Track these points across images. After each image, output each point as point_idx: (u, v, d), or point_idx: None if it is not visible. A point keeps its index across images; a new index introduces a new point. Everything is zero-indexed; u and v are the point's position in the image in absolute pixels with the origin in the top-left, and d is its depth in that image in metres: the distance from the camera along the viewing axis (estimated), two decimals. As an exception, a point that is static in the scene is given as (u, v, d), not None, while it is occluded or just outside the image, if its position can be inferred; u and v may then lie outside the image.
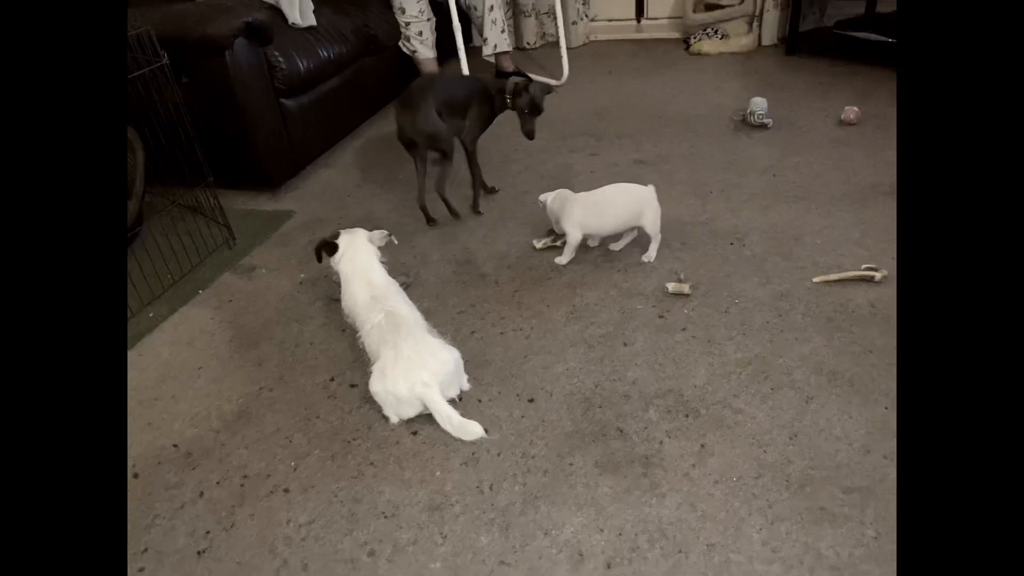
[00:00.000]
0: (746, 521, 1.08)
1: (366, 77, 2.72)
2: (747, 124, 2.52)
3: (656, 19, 3.76)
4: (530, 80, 2.02)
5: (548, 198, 1.78)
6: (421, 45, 2.97)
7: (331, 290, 1.69)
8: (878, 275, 1.59)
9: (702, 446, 1.22)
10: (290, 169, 2.37)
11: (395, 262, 1.66)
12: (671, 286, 1.63)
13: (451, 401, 1.29)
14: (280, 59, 2.21)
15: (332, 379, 1.46)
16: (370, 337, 1.35)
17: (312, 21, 2.43)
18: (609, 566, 1.03)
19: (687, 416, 1.28)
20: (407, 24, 2.93)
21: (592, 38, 3.82)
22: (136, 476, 1.26)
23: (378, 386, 1.29)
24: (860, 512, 1.07)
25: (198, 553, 1.11)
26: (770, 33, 3.41)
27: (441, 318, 1.60)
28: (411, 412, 1.30)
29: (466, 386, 1.38)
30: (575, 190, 1.78)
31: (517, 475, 1.19)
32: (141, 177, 1.91)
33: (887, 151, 2.24)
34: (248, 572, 1.07)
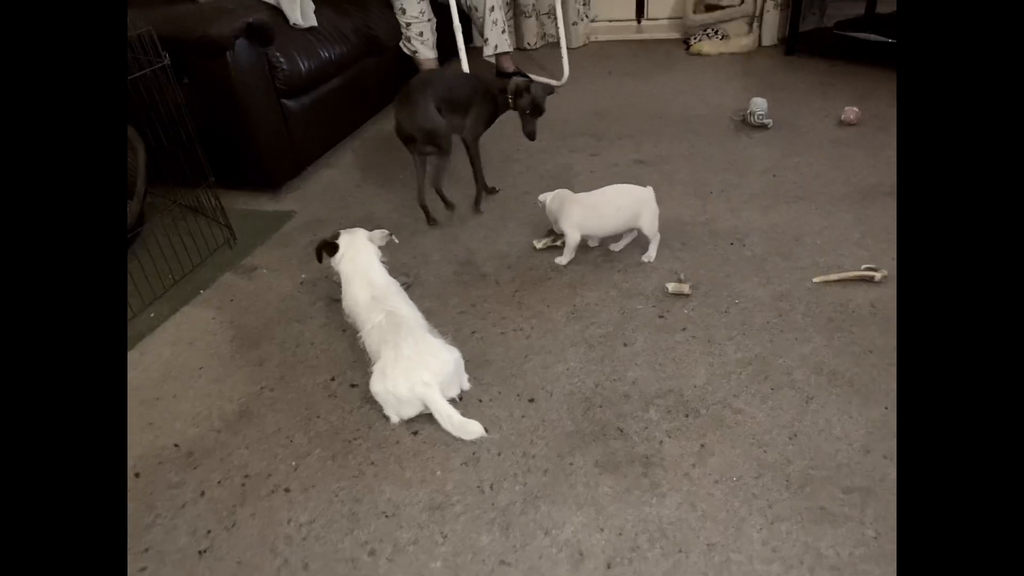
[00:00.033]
0: (746, 521, 1.08)
1: (367, 77, 2.73)
2: (747, 124, 2.52)
3: (656, 20, 3.76)
4: (531, 81, 2.02)
5: (547, 198, 1.78)
6: (422, 45, 2.98)
7: (332, 290, 1.70)
8: (878, 275, 1.59)
9: (702, 446, 1.22)
10: (291, 169, 2.37)
11: (396, 262, 1.66)
12: (671, 286, 1.63)
13: (452, 401, 1.30)
14: (281, 59, 2.21)
15: (333, 379, 1.47)
16: (371, 337, 1.36)
17: (313, 22, 2.43)
18: (609, 566, 1.03)
19: (687, 416, 1.29)
20: (408, 24, 2.94)
21: (592, 39, 3.82)
22: (137, 476, 1.27)
23: (379, 386, 1.29)
24: (860, 512, 1.07)
25: (199, 552, 1.11)
26: (770, 33, 3.42)
27: (442, 318, 1.60)
28: (412, 412, 1.30)
29: (466, 386, 1.39)
30: (575, 190, 1.78)
31: (517, 475, 1.19)
32: (143, 177, 1.91)
33: (887, 151, 2.24)
34: (249, 571, 1.08)
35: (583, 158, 2.40)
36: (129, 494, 1.23)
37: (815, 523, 1.06)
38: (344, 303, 1.47)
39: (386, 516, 1.14)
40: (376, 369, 1.31)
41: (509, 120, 2.13)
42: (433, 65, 3.02)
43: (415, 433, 1.30)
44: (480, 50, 3.14)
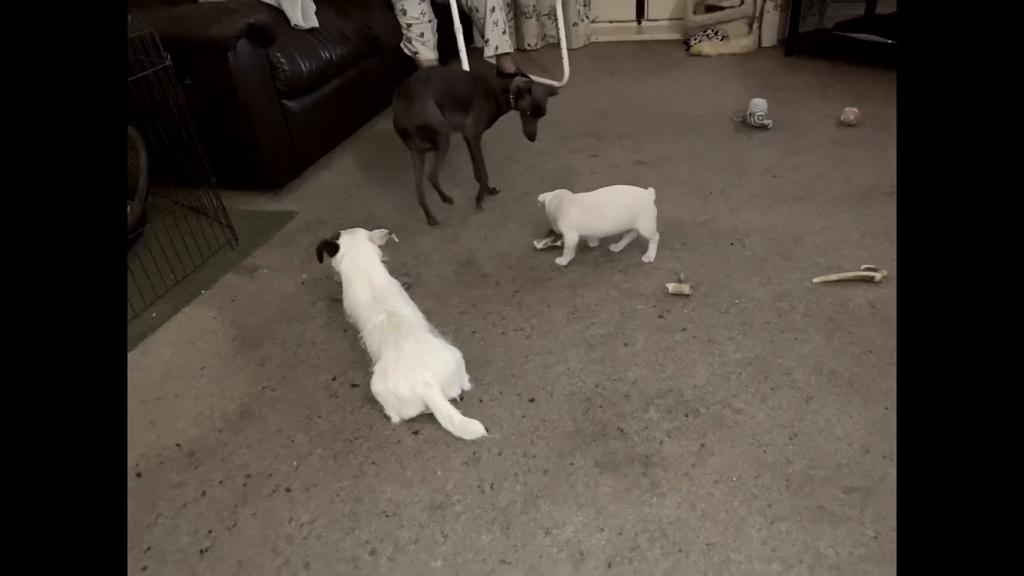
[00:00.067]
0: (746, 520, 1.08)
1: (368, 78, 2.73)
2: (747, 125, 2.52)
3: (656, 20, 3.76)
4: (533, 81, 2.02)
5: (547, 199, 1.78)
6: (423, 46, 2.98)
7: (333, 290, 1.70)
8: (878, 275, 1.59)
9: (702, 446, 1.22)
10: (292, 170, 2.37)
11: (397, 262, 1.67)
12: (671, 286, 1.64)
13: (452, 401, 1.30)
14: (282, 60, 2.21)
15: (334, 379, 1.47)
16: (372, 337, 1.36)
17: (314, 22, 2.43)
18: (610, 565, 1.03)
19: (687, 416, 1.29)
20: (409, 25, 2.94)
21: (593, 39, 3.82)
22: (139, 475, 1.27)
23: (380, 386, 1.29)
24: (860, 512, 1.08)
25: (200, 552, 1.11)
26: (770, 34, 3.42)
27: (442, 318, 1.61)
28: (412, 412, 1.30)
29: (467, 386, 1.39)
30: (576, 191, 1.78)
31: (518, 474, 1.20)
32: (144, 178, 1.92)
33: (887, 152, 2.25)
34: (250, 571, 1.08)
35: (583, 158, 2.41)
36: (131, 494, 1.23)
37: (815, 523, 1.07)
38: (345, 303, 1.47)
39: (387, 515, 1.15)
40: (377, 369, 1.31)
41: (510, 120, 2.13)
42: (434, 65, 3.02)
43: (416, 433, 1.30)
44: (481, 51, 3.14)
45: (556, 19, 3.19)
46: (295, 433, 1.33)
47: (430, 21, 2.97)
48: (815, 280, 1.63)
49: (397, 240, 1.60)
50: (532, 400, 1.36)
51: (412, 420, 1.32)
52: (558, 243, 1.84)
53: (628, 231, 1.78)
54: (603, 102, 2.92)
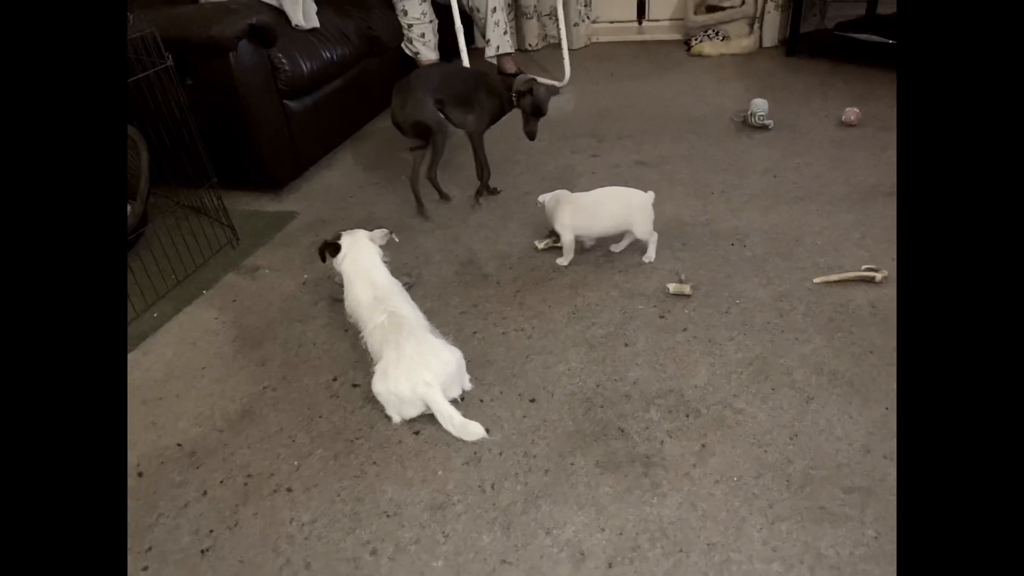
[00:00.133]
0: (747, 521, 1.08)
1: (369, 79, 2.73)
2: (748, 125, 2.52)
3: (657, 21, 3.76)
4: (535, 81, 2.03)
5: (546, 199, 1.79)
6: (424, 47, 2.98)
7: (334, 290, 1.70)
8: (879, 276, 1.59)
9: (703, 446, 1.22)
10: (293, 170, 2.38)
11: (398, 262, 1.67)
12: (672, 287, 1.64)
13: (453, 401, 1.30)
14: (283, 61, 2.22)
15: (335, 379, 1.47)
16: (373, 337, 1.36)
17: (315, 23, 2.44)
18: (610, 565, 1.03)
19: (688, 416, 1.29)
20: (410, 26, 2.94)
21: (593, 40, 3.82)
22: (140, 475, 1.27)
23: (380, 386, 1.29)
24: (860, 512, 1.08)
25: (202, 552, 1.12)
26: (771, 35, 3.42)
27: (443, 318, 1.61)
28: (413, 412, 1.30)
29: (468, 386, 1.39)
30: (576, 191, 1.78)
31: (519, 474, 1.20)
32: (146, 178, 1.92)
33: (887, 152, 2.25)
34: (251, 571, 1.08)
35: (584, 159, 2.41)
36: (132, 493, 1.23)
37: (815, 523, 1.07)
38: (346, 303, 1.47)
39: (388, 516, 1.15)
40: (378, 369, 1.31)
41: (510, 121, 2.13)
42: (434, 66, 3.02)
43: (417, 433, 1.30)
44: (482, 51, 3.14)
45: (557, 19, 3.19)
46: (296, 433, 1.34)
47: (431, 21, 2.97)
48: (816, 280, 1.64)
49: (398, 240, 1.60)
50: (533, 400, 1.36)
51: (413, 420, 1.32)
52: (559, 243, 1.84)
53: (625, 232, 1.78)
54: (604, 102, 2.93)
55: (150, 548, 1.13)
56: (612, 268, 1.77)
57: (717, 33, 3.42)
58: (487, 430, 1.27)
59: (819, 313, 1.53)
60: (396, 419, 1.32)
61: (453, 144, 2.18)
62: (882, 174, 2.11)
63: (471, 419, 1.26)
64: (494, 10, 3.00)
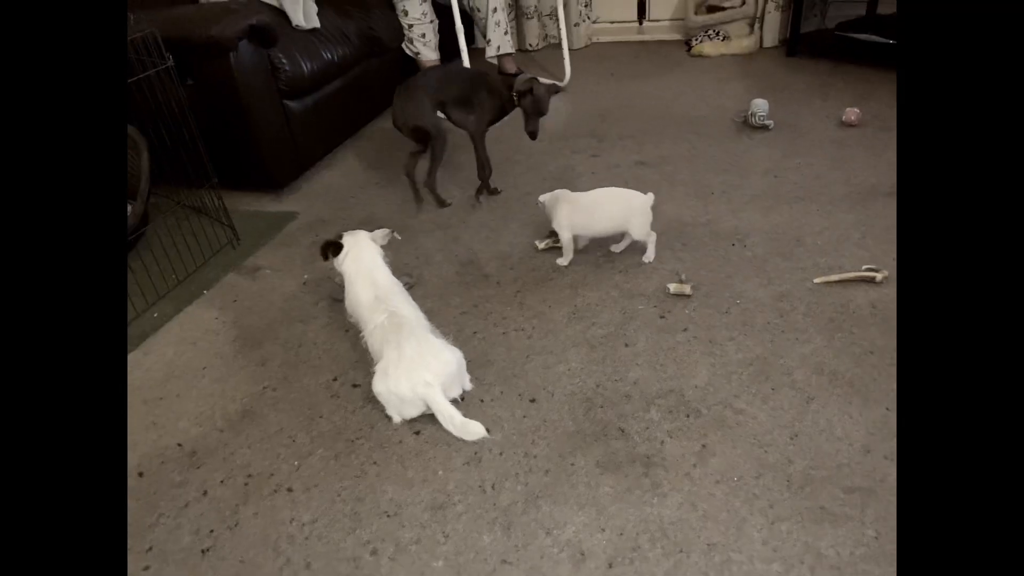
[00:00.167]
0: (747, 521, 1.08)
1: (369, 79, 2.73)
2: (748, 125, 2.52)
3: (658, 21, 3.77)
4: (536, 80, 2.03)
5: (546, 198, 1.79)
6: (424, 47, 2.99)
7: (334, 290, 1.70)
8: (879, 276, 1.59)
9: (703, 446, 1.22)
10: (294, 170, 2.38)
11: (398, 262, 1.67)
12: (672, 287, 1.64)
13: (453, 401, 1.30)
14: (284, 61, 2.22)
15: (335, 379, 1.47)
16: (373, 337, 1.36)
17: (316, 23, 2.44)
18: (611, 565, 1.03)
19: (688, 416, 1.29)
20: (410, 26, 2.95)
21: (594, 40, 3.82)
22: (141, 475, 1.27)
23: (381, 386, 1.29)
24: (860, 512, 1.08)
25: (202, 551, 1.12)
26: (771, 35, 3.42)
27: (443, 318, 1.61)
28: (414, 412, 1.30)
29: (468, 386, 1.39)
30: (577, 191, 1.78)
31: (519, 474, 1.20)
32: (146, 178, 1.92)
33: (888, 152, 2.25)
34: (252, 570, 1.08)
35: (584, 159, 2.41)
36: (133, 493, 1.23)
37: (816, 523, 1.07)
38: (347, 303, 1.47)
39: (388, 516, 1.15)
40: (378, 369, 1.31)
41: (511, 121, 2.14)
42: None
43: (417, 433, 1.30)
44: (482, 51, 3.14)
45: (558, 19, 3.19)
46: (296, 433, 1.34)
47: (431, 22, 2.97)
48: (816, 280, 1.63)
49: (399, 238, 1.60)
50: (533, 400, 1.36)
51: (413, 420, 1.32)
52: (559, 244, 1.84)
53: (624, 233, 1.77)
54: (604, 102, 2.93)
55: (151, 548, 1.13)
56: (612, 268, 1.77)
57: (718, 33, 3.42)
58: (487, 429, 1.27)
59: (819, 313, 1.53)
60: (396, 419, 1.32)
61: (453, 144, 2.19)
62: (882, 174, 2.11)
63: (471, 419, 1.26)
64: (495, 10, 3.00)
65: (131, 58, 1.76)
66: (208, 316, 1.73)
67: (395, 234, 1.59)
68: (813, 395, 1.31)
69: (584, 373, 1.42)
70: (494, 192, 2.22)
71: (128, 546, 1.13)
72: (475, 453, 1.25)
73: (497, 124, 2.13)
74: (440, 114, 2.08)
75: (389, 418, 1.33)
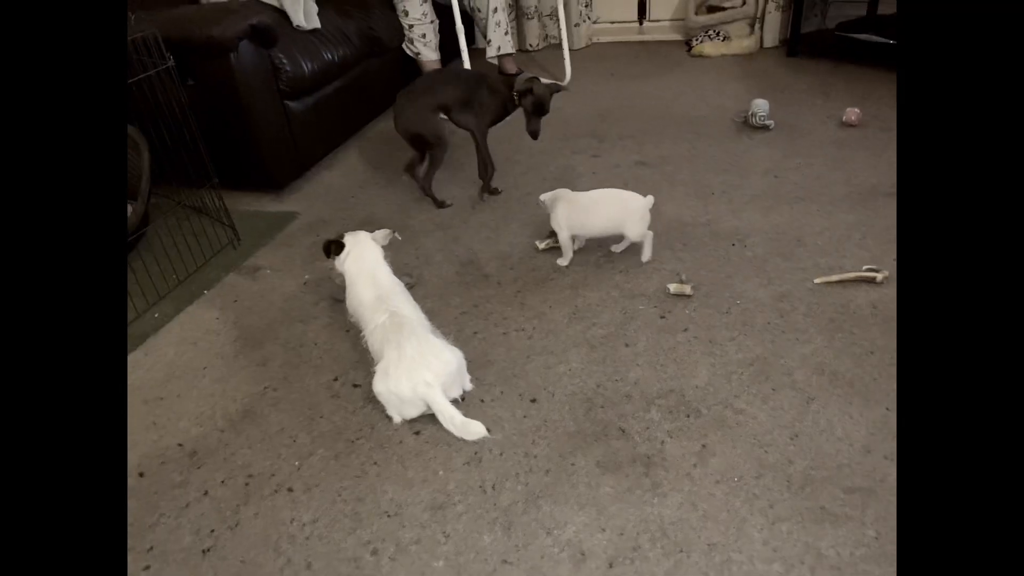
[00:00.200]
0: (747, 521, 1.08)
1: (370, 79, 2.74)
2: (749, 126, 2.52)
3: (658, 21, 3.77)
4: (536, 80, 2.03)
5: (547, 197, 1.79)
6: (424, 47, 2.99)
7: (335, 290, 1.70)
8: (879, 276, 1.59)
9: (703, 446, 1.22)
10: (294, 171, 2.38)
11: (398, 263, 1.67)
12: (672, 287, 1.64)
13: (454, 401, 1.30)
14: (284, 61, 2.22)
15: (336, 379, 1.47)
16: (374, 337, 1.36)
17: (316, 23, 2.44)
18: (611, 565, 1.03)
19: (688, 416, 1.29)
20: (410, 27, 2.95)
21: (594, 40, 3.83)
22: (142, 475, 1.27)
23: (381, 386, 1.29)
24: (861, 512, 1.08)
25: (203, 552, 1.12)
26: (772, 35, 3.42)
27: (444, 318, 1.61)
28: (414, 412, 1.30)
29: (469, 386, 1.39)
30: (578, 191, 1.78)
31: (519, 475, 1.20)
32: (147, 178, 1.92)
33: (888, 152, 2.25)
34: (252, 570, 1.08)
35: (585, 159, 2.41)
36: (133, 493, 1.23)
37: (816, 523, 1.07)
38: (348, 302, 1.48)
39: (388, 516, 1.15)
40: (379, 369, 1.31)
41: (511, 121, 2.14)
42: (436, 67, 3.02)
43: (417, 433, 1.31)
44: (483, 51, 3.14)
45: (558, 20, 3.19)
46: (297, 433, 1.34)
47: (432, 22, 2.97)
48: (816, 281, 1.64)
49: (400, 239, 1.61)
50: (534, 400, 1.36)
51: (414, 420, 1.32)
52: (560, 243, 1.84)
53: (622, 234, 1.77)
54: (604, 103, 2.93)
55: (151, 548, 1.13)
56: (613, 268, 1.77)
57: (718, 33, 3.42)
58: (488, 430, 1.27)
59: (820, 313, 1.53)
60: (397, 419, 1.32)
61: (453, 144, 2.19)
62: (883, 174, 2.11)
63: (472, 419, 1.26)
64: (495, 10, 3.00)
65: (132, 58, 1.76)
66: (209, 316, 1.74)
67: (396, 234, 1.59)
68: (813, 395, 1.31)
69: (584, 373, 1.42)
70: (494, 192, 2.22)
71: (129, 546, 1.13)
72: (475, 453, 1.25)
73: (498, 124, 2.13)
74: (443, 116, 2.09)
75: (389, 418, 1.33)
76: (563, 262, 1.80)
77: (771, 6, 3.35)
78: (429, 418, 1.30)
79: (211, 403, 1.44)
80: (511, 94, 2.03)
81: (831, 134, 2.43)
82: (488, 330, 1.58)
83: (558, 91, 2.07)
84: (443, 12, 2.94)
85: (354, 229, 1.57)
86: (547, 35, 3.79)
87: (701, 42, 3.43)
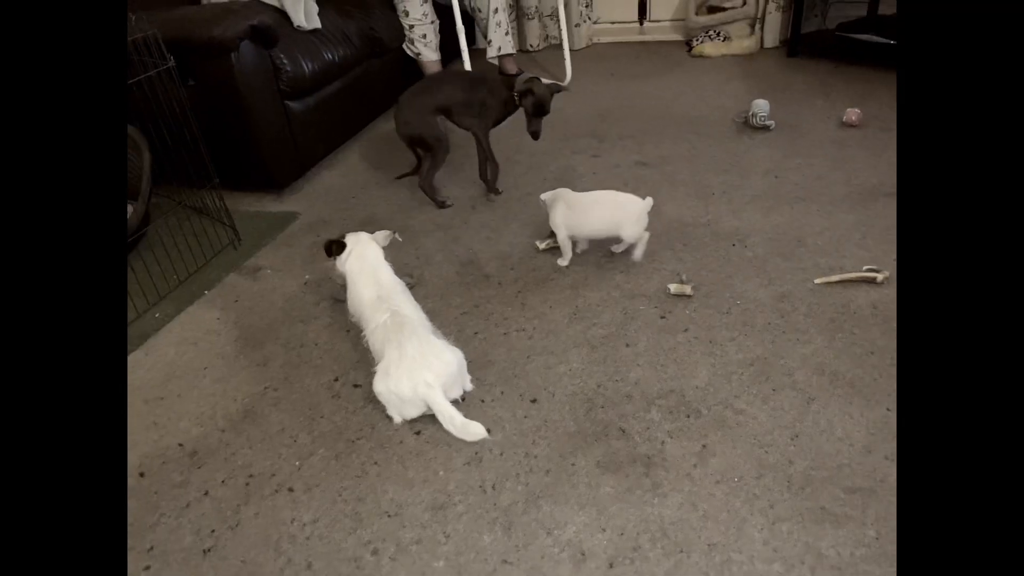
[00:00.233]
0: (747, 521, 1.08)
1: (370, 79, 2.74)
2: (749, 126, 2.52)
3: (659, 21, 3.77)
4: (536, 80, 2.04)
5: (547, 197, 1.79)
6: (425, 48, 2.99)
7: (335, 290, 1.70)
8: (880, 276, 1.59)
9: (704, 446, 1.22)
10: (295, 171, 2.38)
11: (399, 263, 1.67)
12: (673, 287, 1.64)
13: (454, 402, 1.30)
14: (285, 62, 2.22)
15: (336, 379, 1.47)
16: (375, 336, 1.36)
17: (317, 24, 2.44)
18: (611, 565, 1.03)
19: (689, 416, 1.29)
20: (411, 27, 2.95)
21: (595, 40, 3.83)
22: (142, 475, 1.27)
23: (382, 386, 1.29)
24: (861, 512, 1.08)
25: (203, 552, 1.12)
26: (772, 35, 3.42)
27: (444, 319, 1.61)
28: (414, 412, 1.30)
29: (469, 387, 1.39)
30: (578, 191, 1.78)
31: (520, 475, 1.20)
32: (148, 178, 1.92)
33: (888, 153, 2.25)
34: (253, 570, 1.08)
35: (585, 159, 2.41)
36: (134, 493, 1.23)
37: (816, 523, 1.07)
38: (349, 302, 1.48)
39: (389, 516, 1.15)
40: (380, 369, 1.31)
41: (512, 122, 2.14)
42: (436, 67, 3.03)
43: (418, 433, 1.31)
44: (483, 52, 3.15)
45: (558, 20, 3.19)
46: (297, 433, 1.34)
47: (432, 22, 2.97)
48: (817, 281, 1.64)
49: (400, 240, 1.61)
50: (534, 400, 1.36)
51: (414, 420, 1.32)
52: (560, 244, 1.84)
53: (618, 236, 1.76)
54: (605, 103, 2.93)
55: (152, 548, 1.13)
56: (613, 269, 1.77)
57: (718, 34, 3.42)
58: (488, 430, 1.27)
59: (820, 314, 1.53)
60: (397, 419, 1.32)
61: (453, 144, 2.19)
62: (883, 175, 2.11)
63: (472, 419, 1.26)
64: (496, 11, 3.00)
65: (132, 58, 1.77)
66: (209, 316, 1.74)
67: (396, 235, 1.59)
68: (814, 395, 1.31)
69: (585, 373, 1.42)
70: (495, 193, 2.22)
71: (129, 546, 1.14)
72: (476, 453, 1.25)
73: (497, 126, 2.14)
74: (444, 118, 2.10)
75: (390, 418, 1.33)
76: (563, 262, 1.80)
77: (771, 6, 3.35)
78: (429, 418, 1.30)
79: (212, 403, 1.44)
80: (511, 95, 2.03)
81: (831, 134, 2.43)
82: (488, 330, 1.58)
83: (558, 91, 2.07)
84: (444, 12, 2.94)
85: (355, 229, 1.57)
86: (547, 35, 3.79)
87: (701, 42, 3.43)
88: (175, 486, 1.24)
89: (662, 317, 1.57)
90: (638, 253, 1.76)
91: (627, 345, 1.49)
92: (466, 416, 1.27)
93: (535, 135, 2.05)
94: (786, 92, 2.82)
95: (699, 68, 3.27)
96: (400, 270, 1.54)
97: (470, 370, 1.40)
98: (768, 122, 2.48)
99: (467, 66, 2.86)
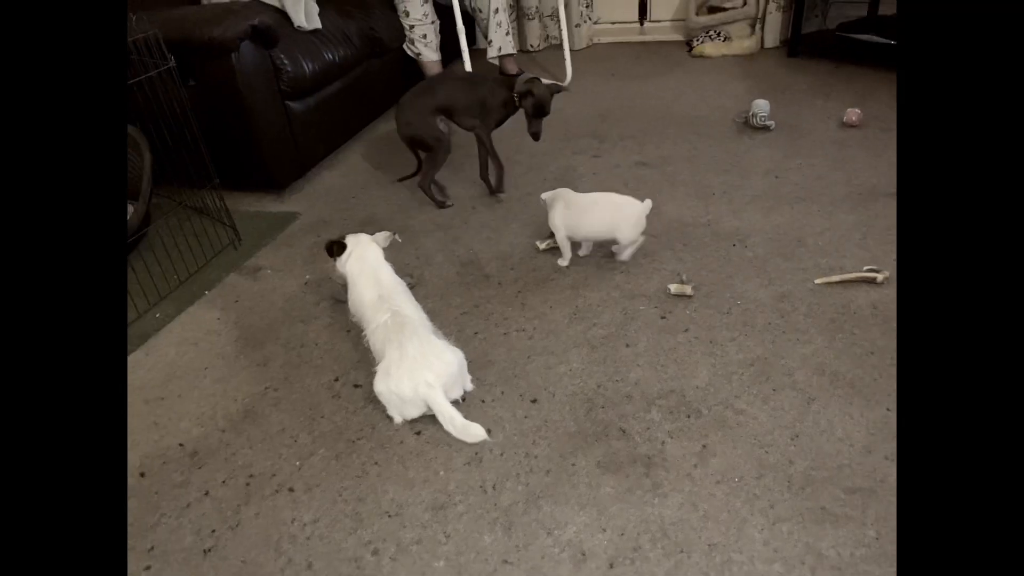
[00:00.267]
0: (748, 521, 1.08)
1: (371, 80, 2.74)
2: (749, 126, 2.52)
3: (659, 22, 3.77)
4: (536, 81, 2.04)
5: (548, 196, 1.79)
6: (425, 48, 2.99)
7: (336, 291, 1.71)
8: (880, 276, 1.59)
9: (704, 446, 1.22)
10: (295, 171, 2.38)
11: (399, 263, 1.67)
12: (673, 287, 1.64)
13: (454, 401, 1.30)
14: (285, 62, 2.22)
15: (337, 379, 1.48)
16: (375, 336, 1.36)
17: (317, 24, 2.44)
18: (612, 565, 1.03)
19: (689, 416, 1.29)
20: (411, 27, 2.95)
21: (595, 41, 3.83)
22: (143, 475, 1.27)
23: (382, 386, 1.30)
24: (861, 513, 1.08)
25: (204, 552, 1.12)
26: (772, 35, 3.42)
27: (445, 319, 1.61)
28: (415, 412, 1.30)
29: (469, 387, 1.39)
30: (578, 191, 1.79)
31: (520, 475, 1.20)
32: (148, 179, 1.93)
33: (889, 153, 2.24)
34: (253, 570, 1.08)
35: (586, 160, 2.41)
36: (134, 493, 1.23)
37: (816, 524, 1.07)
38: (350, 302, 1.48)
39: (389, 516, 1.15)
40: (380, 369, 1.31)
41: (511, 121, 2.14)
42: (437, 67, 3.03)
43: (418, 433, 1.31)
44: (483, 52, 3.15)
45: (559, 20, 3.20)
46: (298, 433, 1.34)
47: (433, 23, 2.98)
48: (817, 281, 1.63)
49: (401, 240, 1.61)
50: (534, 401, 1.36)
51: (414, 420, 1.32)
52: (560, 244, 1.84)
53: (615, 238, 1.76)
54: (605, 103, 2.93)
55: (152, 548, 1.13)
56: (613, 269, 1.77)
57: (719, 34, 3.42)
58: (488, 431, 1.27)
59: (820, 314, 1.53)
60: (398, 419, 1.32)
61: (454, 144, 2.19)
62: (883, 175, 2.11)
63: (472, 420, 1.26)
64: (496, 11, 3.00)
65: (133, 59, 1.77)
66: (210, 316, 1.74)
67: (396, 236, 1.59)
68: (814, 396, 1.31)
69: (585, 373, 1.42)
70: (496, 193, 2.22)
71: (129, 546, 1.14)
72: (476, 453, 1.25)
73: (498, 126, 2.14)
74: (444, 119, 2.10)
75: (390, 418, 1.33)
76: (563, 262, 1.80)
77: (772, 7, 3.35)
78: (430, 418, 1.30)
79: (212, 403, 1.44)
80: (511, 95, 2.04)
81: (832, 134, 2.43)
82: (489, 330, 1.58)
83: (559, 92, 2.07)
84: (444, 12, 2.94)
85: (355, 230, 1.57)
86: (548, 36, 3.79)
87: (702, 42, 3.43)
88: (175, 486, 1.24)
89: (662, 317, 1.57)
90: (626, 254, 1.76)
91: (627, 345, 1.49)
92: (466, 416, 1.27)
93: (535, 136, 2.05)
94: (786, 92, 2.82)
95: (699, 68, 3.27)
96: (400, 270, 1.54)
97: (470, 370, 1.40)
98: (768, 122, 2.48)
99: (467, 66, 2.86)
